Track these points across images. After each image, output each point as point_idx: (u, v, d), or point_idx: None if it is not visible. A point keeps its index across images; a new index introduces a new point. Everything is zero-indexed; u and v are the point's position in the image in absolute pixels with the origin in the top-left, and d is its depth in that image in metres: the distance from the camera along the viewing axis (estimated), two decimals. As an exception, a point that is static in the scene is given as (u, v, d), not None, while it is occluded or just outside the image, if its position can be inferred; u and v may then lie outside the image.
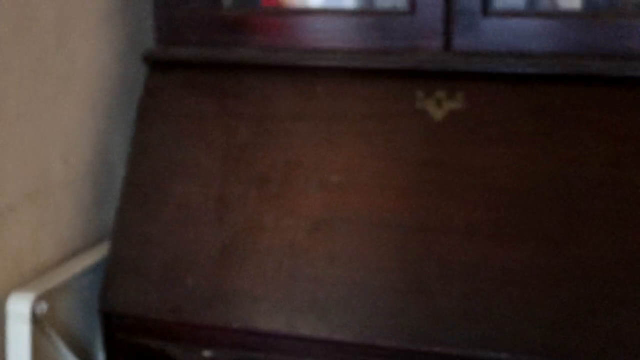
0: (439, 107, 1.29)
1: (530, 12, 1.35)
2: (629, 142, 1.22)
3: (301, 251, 1.27)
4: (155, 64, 1.42)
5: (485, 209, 1.24)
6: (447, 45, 1.30)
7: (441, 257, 1.23)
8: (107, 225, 1.46)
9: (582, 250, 1.18)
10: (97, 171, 1.47)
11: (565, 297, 1.17)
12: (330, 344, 1.24)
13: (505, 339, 1.17)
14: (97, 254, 1.42)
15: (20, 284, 1.29)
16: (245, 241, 1.30)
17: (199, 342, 1.31)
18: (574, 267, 1.18)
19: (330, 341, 1.23)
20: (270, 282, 1.27)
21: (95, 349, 1.42)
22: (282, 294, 1.26)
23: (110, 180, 1.49)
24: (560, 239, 1.20)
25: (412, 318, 1.21)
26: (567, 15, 1.30)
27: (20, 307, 1.25)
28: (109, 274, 1.34)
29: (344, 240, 1.26)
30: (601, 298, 1.16)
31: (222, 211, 1.32)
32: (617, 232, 1.18)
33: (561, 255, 1.19)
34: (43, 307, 1.27)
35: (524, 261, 1.20)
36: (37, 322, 1.26)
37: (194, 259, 1.31)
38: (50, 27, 1.33)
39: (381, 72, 1.32)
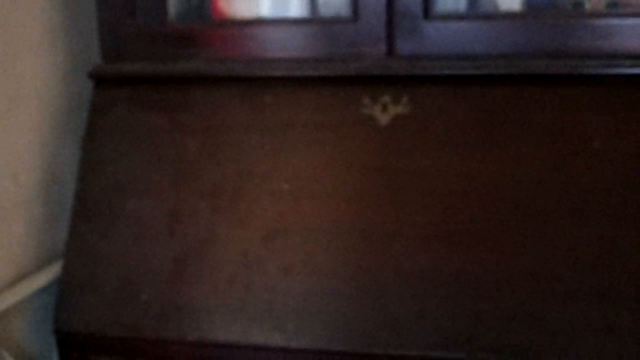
0: (384, 112, 1.30)
1: (471, 14, 1.37)
2: (572, 140, 1.24)
3: (255, 261, 1.28)
4: (102, 81, 1.42)
5: (435, 212, 1.25)
6: (391, 50, 1.31)
7: (394, 262, 1.24)
8: (60, 244, 1.45)
9: (529, 250, 1.20)
10: (48, 189, 1.46)
11: (515, 296, 1.19)
12: (287, 352, 1.24)
13: (459, 339, 1.19)
14: (50, 273, 1.41)
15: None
16: (198, 254, 1.30)
17: (156, 357, 1.30)
18: (522, 268, 1.20)
19: (286, 349, 1.24)
20: (225, 293, 1.27)
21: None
22: (237, 304, 1.26)
23: (61, 199, 1.48)
24: (508, 241, 1.21)
25: (367, 323, 1.22)
26: (508, 17, 1.32)
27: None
28: (63, 293, 1.34)
29: (297, 249, 1.27)
30: (549, 296, 1.18)
31: (175, 225, 1.32)
32: (562, 231, 1.20)
33: (510, 256, 1.21)
34: (-4, 327, 1.26)
35: (475, 264, 1.21)
36: (-9, 342, 1.26)
37: (148, 274, 1.31)
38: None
39: (327, 80, 1.33)
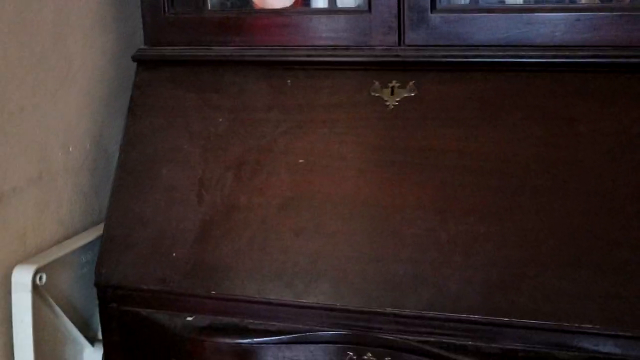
0: (392, 95, 1.43)
1: (474, 8, 1.49)
2: (560, 122, 1.35)
3: (271, 226, 1.42)
4: (144, 63, 1.58)
5: (434, 186, 1.38)
6: (400, 39, 1.44)
7: (393, 229, 1.37)
8: (104, 208, 1.62)
9: (517, 220, 1.32)
10: (95, 159, 1.63)
11: (502, 262, 1.30)
12: (296, 308, 1.38)
13: (449, 300, 1.31)
14: (94, 233, 1.58)
15: (24, 259, 1.45)
16: (222, 219, 1.45)
17: (183, 308, 1.46)
18: (509, 236, 1.31)
19: (296, 305, 1.38)
20: (244, 254, 1.42)
21: (91, 317, 1.58)
22: (254, 264, 1.41)
23: (106, 168, 1.65)
24: (498, 211, 1.33)
25: (368, 283, 1.35)
26: (506, 10, 1.43)
27: (23, 278, 1.41)
28: (103, 251, 1.50)
29: (308, 216, 1.41)
30: (533, 262, 1.29)
31: (202, 193, 1.48)
32: (548, 204, 1.32)
33: (499, 226, 1.32)
34: (43, 278, 1.43)
35: (466, 232, 1.33)
36: (38, 291, 1.43)
37: (178, 235, 1.47)
38: (49, 29, 1.50)
39: (342, 65, 1.47)
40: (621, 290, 1.24)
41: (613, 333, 1.23)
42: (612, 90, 1.34)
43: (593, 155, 1.32)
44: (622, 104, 1.33)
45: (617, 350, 1.24)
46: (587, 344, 1.25)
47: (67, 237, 1.56)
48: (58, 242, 1.53)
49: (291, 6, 1.60)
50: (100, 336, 1.57)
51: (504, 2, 1.55)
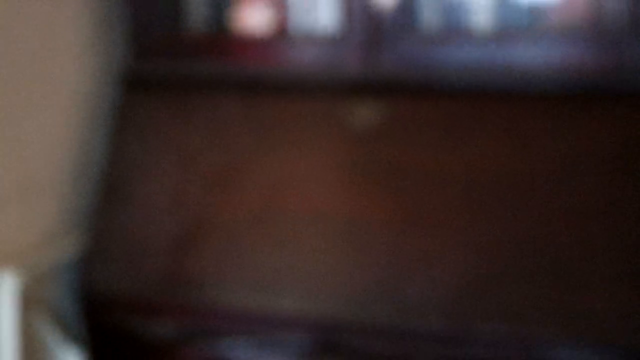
0: (363, 117, 1.50)
1: (444, 34, 1.55)
2: (521, 143, 1.42)
3: (242, 240, 1.49)
4: (127, 82, 1.66)
5: (399, 202, 1.44)
6: (371, 63, 1.51)
7: (360, 243, 1.43)
8: (85, 221, 1.68)
9: (478, 235, 1.39)
10: (78, 173, 1.69)
11: (464, 275, 1.37)
12: (265, 317, 1.45)
13: (413, 311, 1.37)
14: (76, 243, 1.64)
15: (7, 270, 1.50)
16: (196, 232, 1.52)
17: (158, 318, 1.52)
18: (471, 250, 1.38)
19: (265, 314, 1.44)
20: (217, 266, 1.49)
21: (73, 327, 1.64)
22: (226, 276, 1.48)
23: (88, 181, 1.71)
24: (460, 226, 1.40)
25: (335, 294, 1.42)
26: (475, 36, 1.50)
27: (8, 285, 1.47)
28: (85, 262, 1.57)
29: (278, 230, 1.48)
30: (494, 275, 1.36)
31: (178, 207, 1.54)
32: (508, 219, 1.39)
33: (461, 240, 1.39)
34: (26, 289, 1.49)
35: (429, 245, 1.40)
36: (24, 300, 1.48)
37: (155, 247, 1.53)
38: (36, 48, 1.56)
39: (314, 88, 1.54)
40: (578, 300, 1.31)
41: (571, 341, 1.30)
42: (569, 113, 1.42)
43: (551, 173, 1.40)
44: (578, 126, 1.40)
45: (575, 358, 1.31)
46: (547, 352, 1.31)
47: (52, 248, 1.62)
48: (43, 253, 1.59)
49: (269, 30, 1.67)
50: (81, 345, 1.63)
51: (471, 29, 1.62)
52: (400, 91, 1.50)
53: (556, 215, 1.37)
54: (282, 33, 1.67)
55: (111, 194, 1.60)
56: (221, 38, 1.64)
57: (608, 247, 1.33)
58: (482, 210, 1.41)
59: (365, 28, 1.51)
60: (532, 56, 1.45)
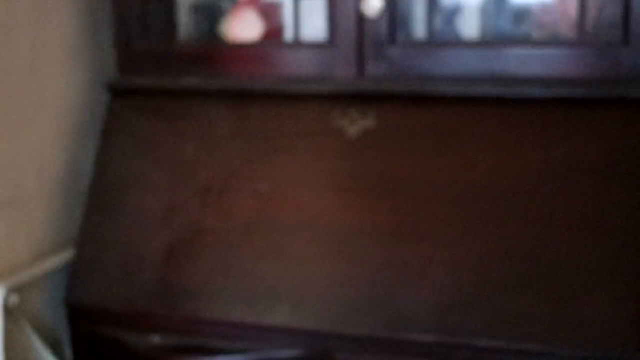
0: (353, 124, 1.49)
1: (430, 42, 1.56)
2: (511, 153, 1.42)
3: (235, 250, 1.48)
4: (116, 92, 1.65)
5: (390, 211, 1.44)
6: (361, 71, 1.51)
7: (352, 253, 1.43)
8: (75, 230, 1.67)
9: (468, 245, 1.38)
10: (67, 183, 1.68)
11: (454, 285, 1.37)
12: (257, 328, 1.44)
13: (403, 321, 1.37)
14: (65, 255, 1.63)
15: (-4, 277, 1.50)
16: (188, 242, 1.51)
17: (149, 329, 1.51)
18: (461, 260, 1.38)
19: (257, 325, 1.43)
20: (209, 276, 1.48)
21: (62, 338, 1.63)
22: (218, 286, 1.47)
23: (78, 191, 1.70)
24: (451, 237, 1.40)
25: (326, 305, 1.41)
26: (460, 44, 1.51)
27: (-6, 296, 1.46)
28: (74, 272, 1.55)
29: (271, 240, 1.47)
30: (483, 285, 1.35)
31: (169, 217, 1.53)
32: (499, 229, 1.38)
33: (452, 250, 1.39)
34: (15, 299, 1.48)
35: (420, 256, 1.40)
36: (10, 312, 1.47)
37: (146, 257, 1.52)
38: (25, 58, 1.56)
39: (305, 96, 1.54)
40: (565, 312, 1.30)
41: (564, 352, 1.29)
42: (559, 122, 1.41)
43: (541, 183, 1.39)
44: (568, 135, 1.40)
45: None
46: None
47: (39, 259, 1.61)
48: (30, 264, 1.58)
49: (259, 39, 1.67)
50: (67, 357, 1.61)
51: (460, 37, 1.62)
52: (391, 99, 1.50)
53: (548, 223, 1.37)
54: (272, 43, 1.67)
55: (100, 205, 1.59)
56: (212, 47, 1.64)
57: (600, 255, 1.33)
58: (473, 218, 1.40)
59: (355, 37, 1.50)
60: (522, 63, 1.44)
